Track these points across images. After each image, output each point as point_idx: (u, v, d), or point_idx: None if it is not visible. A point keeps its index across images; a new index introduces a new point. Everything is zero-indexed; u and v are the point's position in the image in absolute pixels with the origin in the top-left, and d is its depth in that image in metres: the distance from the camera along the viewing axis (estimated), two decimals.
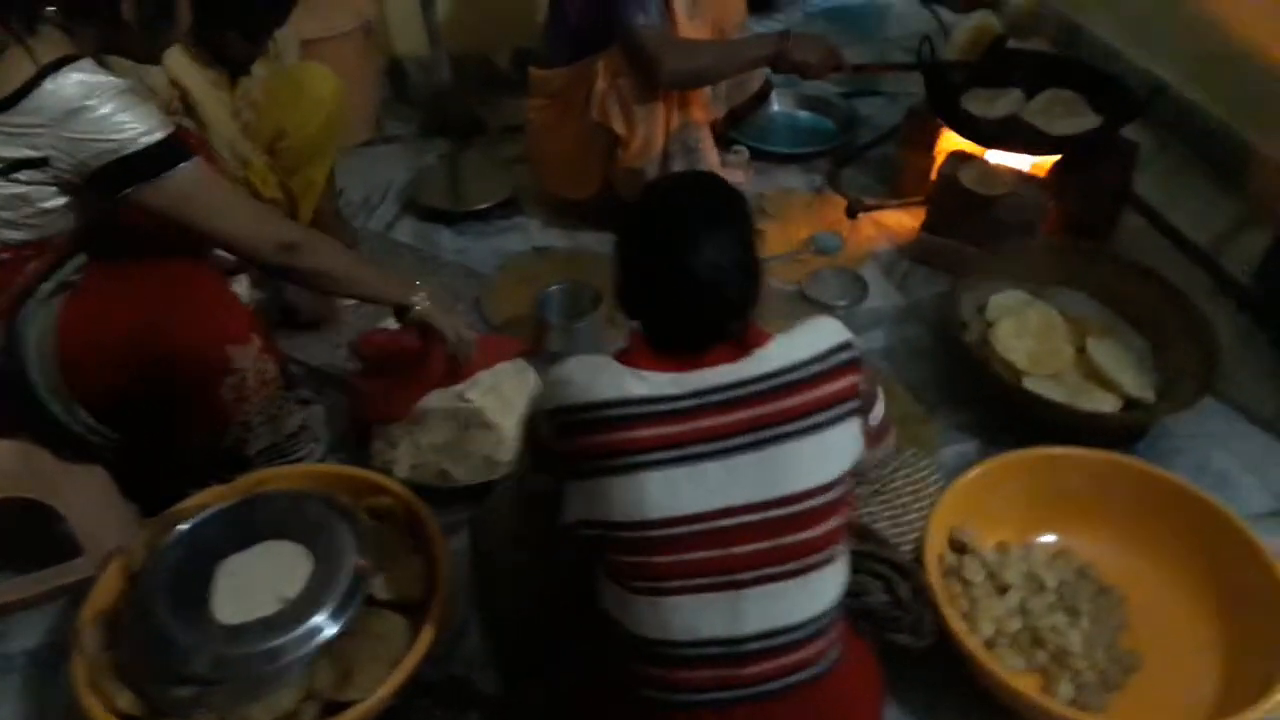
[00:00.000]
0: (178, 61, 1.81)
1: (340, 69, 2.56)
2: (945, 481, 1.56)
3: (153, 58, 1.44)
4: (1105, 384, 1.77)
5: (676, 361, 1.06)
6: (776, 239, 2.31)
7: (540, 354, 1.92)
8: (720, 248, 1.06)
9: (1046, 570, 1.52)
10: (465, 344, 1.68)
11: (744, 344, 1.07)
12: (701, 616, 1.06)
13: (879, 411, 1.19)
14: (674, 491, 1.04)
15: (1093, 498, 1.57)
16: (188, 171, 1.33)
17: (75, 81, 1.24)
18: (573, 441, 1.06)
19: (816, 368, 1.07)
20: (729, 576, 1.05)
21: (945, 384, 1.91)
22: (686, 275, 1.05)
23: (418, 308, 1.57)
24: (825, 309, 2.11)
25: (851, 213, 2.31)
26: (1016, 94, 2.22)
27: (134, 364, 1.37)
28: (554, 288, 1.99)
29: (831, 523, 1.08)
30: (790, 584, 1.06)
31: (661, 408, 1.04)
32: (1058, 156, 2.13)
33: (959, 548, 1.52)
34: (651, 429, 1.04)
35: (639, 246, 1.10)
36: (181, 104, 1.82)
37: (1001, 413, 1.81)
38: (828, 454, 1.07)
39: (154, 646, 1.29)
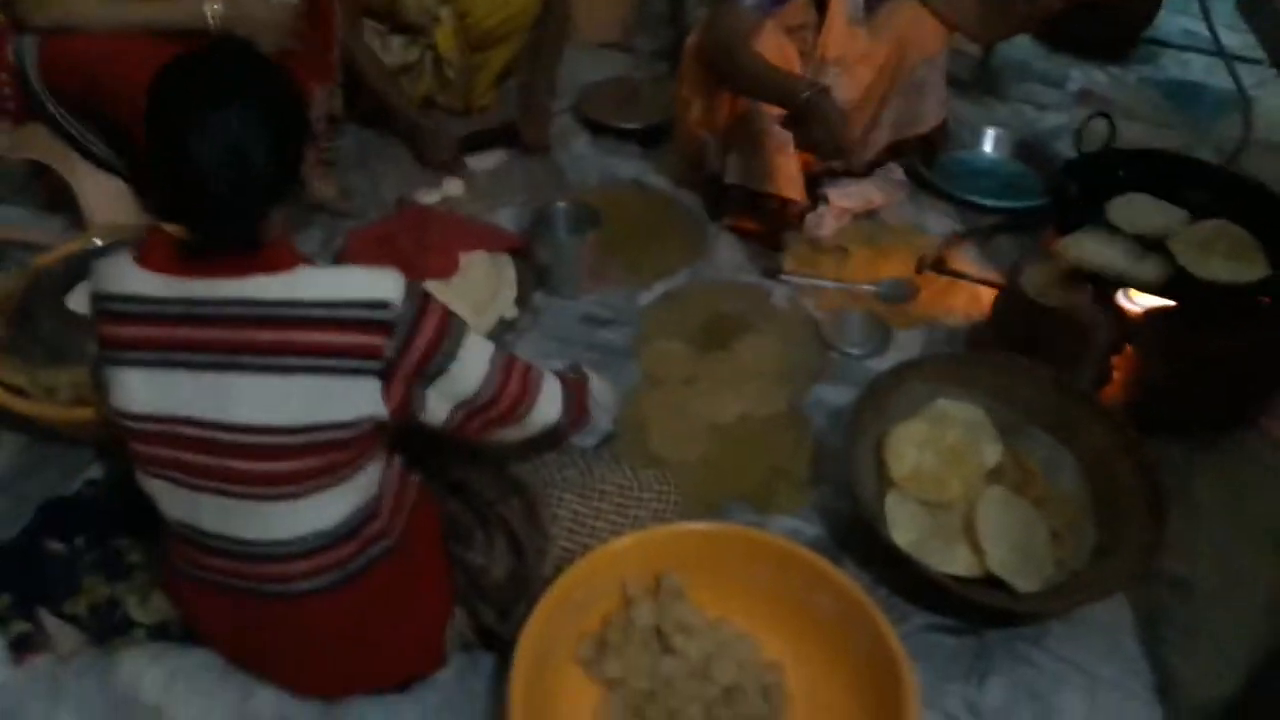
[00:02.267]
0: None
1: None
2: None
3: None
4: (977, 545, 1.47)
5: (185, 264, 1.05)
6: (861, 268, 2.13)
7: (529, 258, 2.01)
8: (216, 132, 0.98)
9: (729, 666, 1.35)
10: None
11: (260, 261, 1.04)
12: (175, 505, 1.16)
13: (545, 413, 1.27)
14: (148, 391, 1.08)
15: (833, 630, 1.35)
16: None
17: None
18: (96, 327, 1.11)
19: (320, 313, 1.04)
20: (186, 478, 1.12)
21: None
22: (178, 158, 0.99)
23: (213, 21, 1.68)
24: (832, 350, 1.93)
25: (919, 267, 2.05)
26: (1180, 214, 1.79)
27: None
28: (560, 204, 2.05)
29: (296, 464, 1.08)
30: (244, 504, 1.11)
31: (148, 309, 1.06)
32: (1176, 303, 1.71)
33: (654, 590, 1.41)
34: (135, 328, 1.08)
35: (149, 117, 1.02)
36: None
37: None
38: (293, 398, 1.05)
39: (37, 327, 1.64)
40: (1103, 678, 1.43)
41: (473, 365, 1.18)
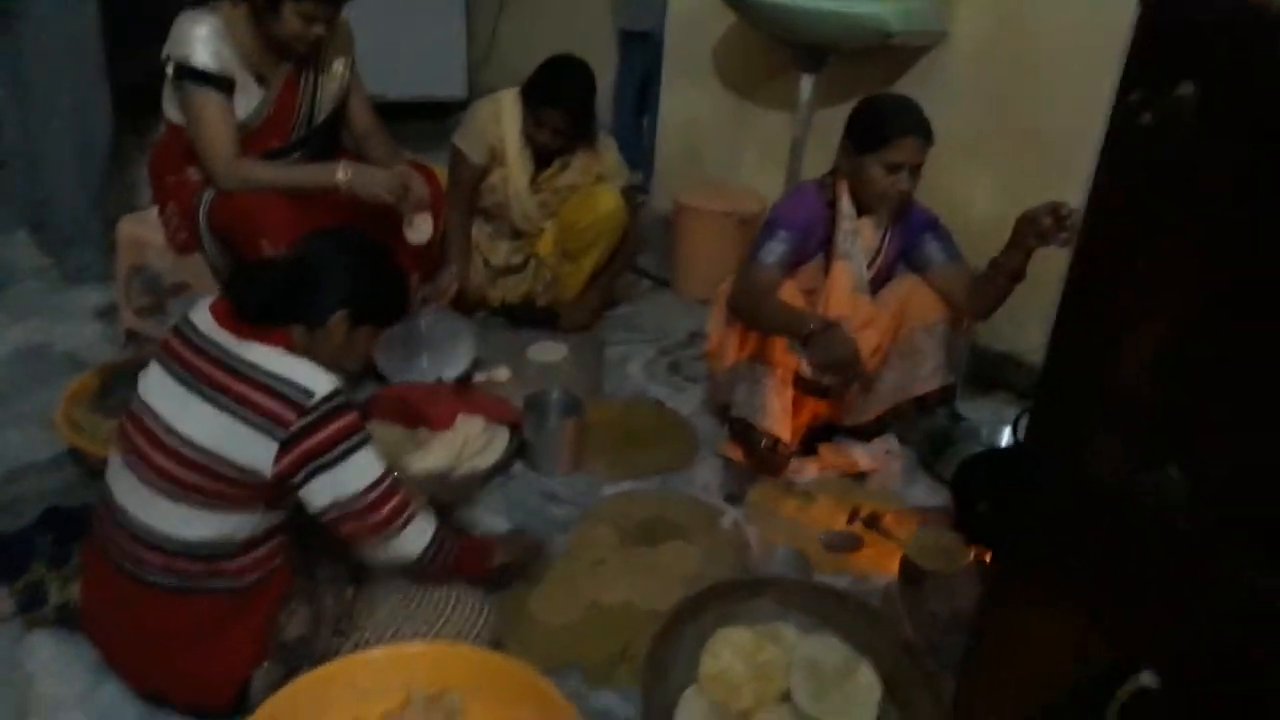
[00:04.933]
0: (511, 125, 2.67)
1: (705, 240, 3.21)
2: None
3: None
4: None
5: (226, 320, 1.45)
6: (820, 516, 2.20)
7: (518, 432, 2.30)
8: (306, 246, 1.53)
9: None
10: (401, 192, 2.24)
11: (262, 336, 1.44)
12: (112, 471, 1.53)
13: (407, 546, 1.53)
14: (151, 381, 1.50)
15: None
16: (201, 95, 2.17)
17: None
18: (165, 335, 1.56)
19: (264, 379, 1.41)
20: (127, 454, 1.48)
21: None
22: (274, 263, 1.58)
23: (342, 180, 2.19)
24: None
25: (852, 518, 2.09)
26: None
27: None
28: (555, 393, 2.33)
29: (188, 473, 1.41)
30: (144, 489, 1.45)
31: (189, 334, 1.48)
32: None
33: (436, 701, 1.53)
34: (176, 341, 1.49)
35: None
36: (500, 152, 2.69)
37: None
38: (213, 427, 1.40)
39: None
40: None
41: (358, 474, 1.47)
